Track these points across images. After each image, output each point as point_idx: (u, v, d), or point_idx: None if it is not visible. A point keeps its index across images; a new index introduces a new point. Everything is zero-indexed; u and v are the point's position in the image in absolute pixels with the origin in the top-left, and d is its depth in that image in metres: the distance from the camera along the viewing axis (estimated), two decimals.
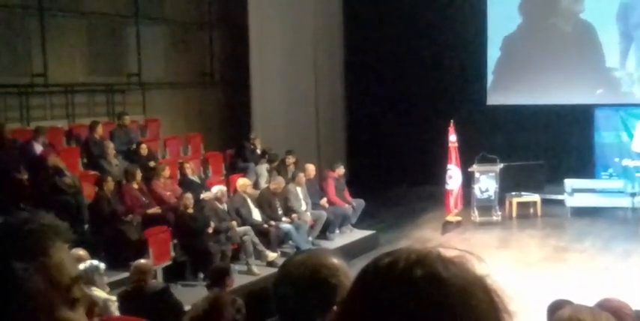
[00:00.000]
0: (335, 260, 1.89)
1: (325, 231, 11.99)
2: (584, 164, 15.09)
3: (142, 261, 7.20)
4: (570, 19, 15.89)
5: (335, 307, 1.76)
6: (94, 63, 13.27)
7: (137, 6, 13.90)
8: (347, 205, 12.54)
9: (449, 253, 0.99)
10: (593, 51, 15.62)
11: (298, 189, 11.86)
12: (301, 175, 12.08)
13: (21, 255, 1.04)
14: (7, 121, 11.39)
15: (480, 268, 0.99)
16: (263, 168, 12.84)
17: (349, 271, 1.83)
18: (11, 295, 1.02)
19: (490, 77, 16.43)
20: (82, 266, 5.86)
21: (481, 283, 0.97)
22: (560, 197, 14.19)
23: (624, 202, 13.77)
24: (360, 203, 12.82)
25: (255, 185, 12.25)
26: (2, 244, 1.04)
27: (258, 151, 13.47)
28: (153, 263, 8.19)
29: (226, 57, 15.94)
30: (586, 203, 13.91)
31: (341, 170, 12.84)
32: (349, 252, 10.01)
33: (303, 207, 11.78)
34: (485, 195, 13.56)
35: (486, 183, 13.56)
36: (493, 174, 13.55)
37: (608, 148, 14.93)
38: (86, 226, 9.74)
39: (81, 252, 6.36)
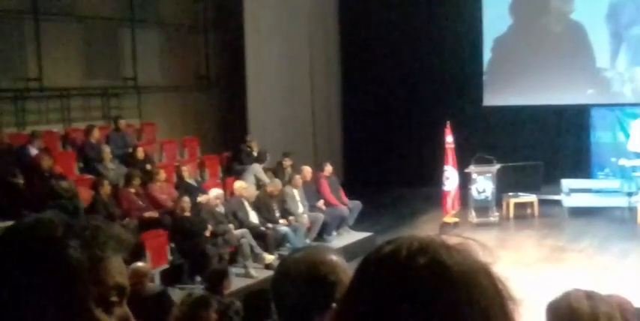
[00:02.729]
0: (333, 257, 1.86)
1: (322, 233, 11.97)
2: (581, 164, 15.10)
3: (140, 264, 7.17)
4: (561, 19, 15.89)
5: (334, 305, 1.74)
6: (90, 67, 13.24)
7: (132, 9, 13.87)
8: (343, 207, 12.52)
9: (452, 240, 0.98)
10: (584, 51, 15.61)
11: (295, 191, 11.84)
12: (298, 177, 12.06)
13: (80, 239, 1.06)
14: (3, 126, 11.36)
15: (483, 256, 0.98)
16: (258, 169, 12.74)
17: (348, 268, 1.80)
18: (56, 271, 1.04)
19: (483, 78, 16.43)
20: None
21: (485, 270, 0.96)
22: (557, 197, 14.18)
23: (621, 201, 13.77)
24: (356, 205, 12.80)
25: (258, 186, 12.16)
26: (68, 227, 1.07)
27: (255, 154, 13.42)
28: (150, 266, 8.15)
29: (222, 60, 15.92)
30: (583, 203, 13.90)
31: (329, 168, 12.81)
32: (347, 254, 9.90)
33: (300, 209, 11.76)
34: (483, 196, 13.54)
35: (483, 184, 13.54)
36: (490, 175, 13.53)
37: (604, 147, 14.94)
38: None
39: None
